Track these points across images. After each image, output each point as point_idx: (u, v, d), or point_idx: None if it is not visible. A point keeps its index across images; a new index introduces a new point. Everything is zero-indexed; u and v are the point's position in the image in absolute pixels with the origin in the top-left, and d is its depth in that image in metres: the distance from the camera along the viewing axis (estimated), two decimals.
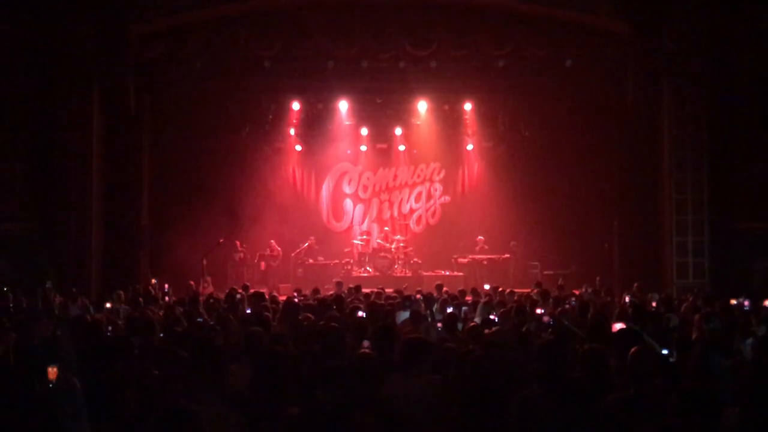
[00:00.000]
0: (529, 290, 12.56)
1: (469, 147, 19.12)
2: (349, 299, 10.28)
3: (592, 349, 4.63)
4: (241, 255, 17.81)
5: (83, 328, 6.45)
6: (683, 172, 14.32)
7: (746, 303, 9.28)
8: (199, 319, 7.80)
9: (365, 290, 11.64)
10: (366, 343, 5.53)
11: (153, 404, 3.45)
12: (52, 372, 3.77)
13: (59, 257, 13.83)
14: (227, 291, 11.17)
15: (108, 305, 9.78)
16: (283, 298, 11.16)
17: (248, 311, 8.62)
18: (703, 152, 14.28)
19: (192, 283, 13.21)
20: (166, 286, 13.09)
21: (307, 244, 18.09)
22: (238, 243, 17.79)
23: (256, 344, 5.64)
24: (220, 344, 5.64)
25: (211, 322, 7.28)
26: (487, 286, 12.70)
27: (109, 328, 6.95)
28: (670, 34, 13.99)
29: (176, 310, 8.51)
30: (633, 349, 4.40)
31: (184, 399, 3.52)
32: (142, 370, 4.53)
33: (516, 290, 12.90)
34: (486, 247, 18.04)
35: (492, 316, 7.94)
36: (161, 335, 6.70)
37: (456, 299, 10.15)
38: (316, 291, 11.64)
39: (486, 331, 6.39)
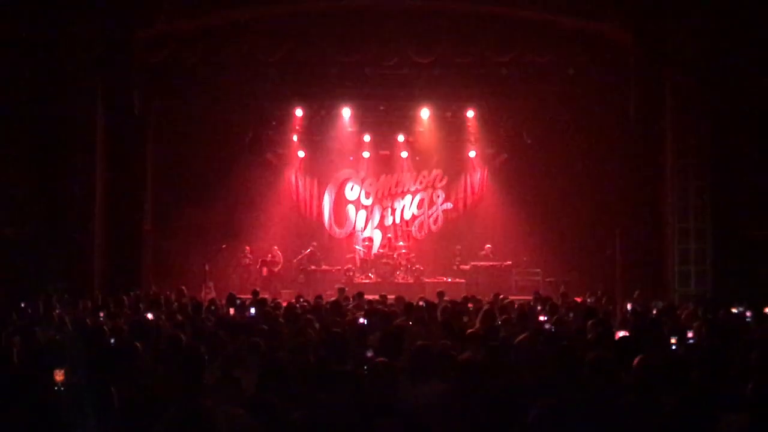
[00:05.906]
0: (529, 298, 12.54)
1: (472, 154, 19.16)
2: (353, 305, 10.29)
3: (599, 356, 4.63)
4: (248, 261, 17.85)
5: (85, 332, 6.47)
6: (686, 180, 14.31)
7: (748, 313, 9.19)
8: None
9: (367, 297, 11.63)
10: (370, 353, 5.51)
11: (163, 405, 3.47)
12: (59, 374, 3.79)
13: (62, 262, 13.82)
14: (227, 296, 11.14)
15: (111, 309, 9.78)
16: (285, 303, 11.14)
17: (251, 314, 8.62)
18: (705, 160, 14.27)
19: (184, 288, 13.16)
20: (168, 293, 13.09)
21: (309, 250, 18.12)
22: (247, 248, 17.85)
23: (260, 350, 5.66)
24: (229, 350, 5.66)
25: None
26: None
27: (121, 331, 6.94)
28: (673, 42, 14.02)
29: (179, 316, 8.52)
30: (638, 358, 4.42)
31: (198, 399, 3.54)
32: (147, 373, 4.54)
33: (517, 297, 12.89)
34: (493, 254, 18.07)
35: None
36: (167, 339, 6.70)
37: (458, 306, 10.13)
38: (319, 297, 11.61)
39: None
